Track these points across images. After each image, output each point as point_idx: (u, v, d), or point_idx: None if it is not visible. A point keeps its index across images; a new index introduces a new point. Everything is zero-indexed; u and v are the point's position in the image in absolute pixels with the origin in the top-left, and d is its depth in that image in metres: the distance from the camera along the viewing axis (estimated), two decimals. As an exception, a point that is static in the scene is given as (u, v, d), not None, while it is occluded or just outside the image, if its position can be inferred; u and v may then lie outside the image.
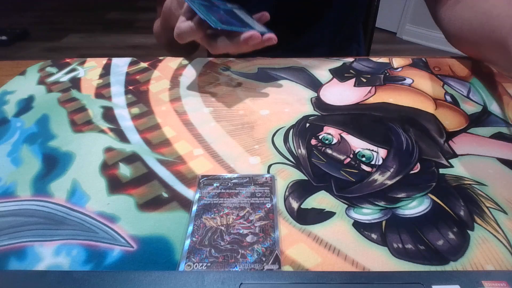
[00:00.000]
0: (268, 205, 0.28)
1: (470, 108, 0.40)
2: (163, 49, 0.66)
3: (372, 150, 0.34)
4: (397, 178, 0.31)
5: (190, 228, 0.26)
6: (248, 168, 0.32)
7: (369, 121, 0.38)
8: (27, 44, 2.47)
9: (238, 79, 0.47)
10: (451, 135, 0.36)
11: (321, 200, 0.29)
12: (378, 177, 0.31)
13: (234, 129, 0.38)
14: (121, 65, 0.51)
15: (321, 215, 0.28)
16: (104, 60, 0.52)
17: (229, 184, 0.30)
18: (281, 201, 0.29)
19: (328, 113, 0.40)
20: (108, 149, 0.35)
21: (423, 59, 0.50)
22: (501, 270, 0.23)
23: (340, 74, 0.48)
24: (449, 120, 0.38)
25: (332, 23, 0.63)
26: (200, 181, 0.31)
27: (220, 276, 0.22)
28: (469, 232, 0.26)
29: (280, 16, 0.60)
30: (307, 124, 0.38)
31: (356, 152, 0.34)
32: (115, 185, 0.31)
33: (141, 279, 0.22)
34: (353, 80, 0.46)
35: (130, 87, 0.46)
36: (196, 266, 0.24)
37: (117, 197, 0.30)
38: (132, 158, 0.34)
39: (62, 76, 0.49)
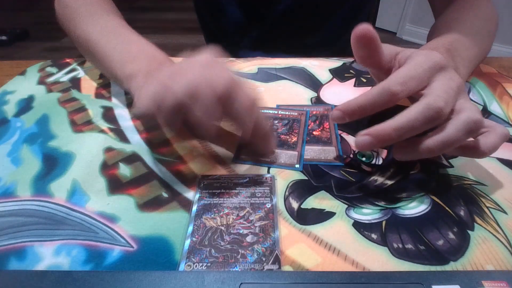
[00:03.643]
0: (268, 205, 0.28)
1: (470, 108, 0.40)
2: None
3: (372, 150, 0.34)
4: (397, 178, 0.31)
5: (190, 228, 0.26)
6: (248, 168, 0.32)
7: (369, 121, 0.38)
8: (27, 44, 2.47)
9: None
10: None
11: (321, 200, 0.29)
12: (378, 177, 0.31)
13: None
14: (121, 65, 0.51)
15: (321, 215, 0.28)
16: (104, 60, 0.52)
17: (229, 184, 0.30)
18: (281, 201, 0.29)
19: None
20: (108, 149, 0.35)
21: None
22: (501, 270, 0.23)
23: (340, 74, 0.48)
24: (449, 120, 0.38)
25: (339, 25, 0.63)
26: (200, 181, 0.31)
27: (220, 276, 0.22)
28: (469, 232, 0.26)
29: (289, 15, 0.60)
30: (307, 124, 0.38)
31: (356, 152, 0.34)
32: (115, 185, 0.31)
33: (141, 279, 0.22)
34: (353, 80, 0.46)
35: (130, 87, 0.45)
36: (196, 266, 0.24)
37: (117, 197, 0.30)
38: (132, 158, 0.34)
39: (62, 76, 0.49)
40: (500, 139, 0.28)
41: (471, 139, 0.28)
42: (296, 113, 0.39)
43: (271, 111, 0.40)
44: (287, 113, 0.40)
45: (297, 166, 0.32)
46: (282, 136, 0.36)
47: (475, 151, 0.28)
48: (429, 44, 0.37)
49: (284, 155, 0.34)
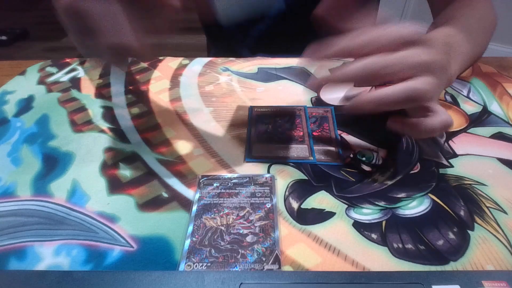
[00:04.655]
0: (268, 205, 0.28)
1: (470, 108, 0.40)
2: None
3: (372, 150, 0.34)
4: (397, 178, 0.31)
5: (190, 228, 0.26)
6: (248, 168, 0.32)
7: (369, 121, 0.38)
8: (27, 44, 2.47)
9: (238, 79, 0.47)
10: (451, 135, 0.36)
11: (321, 200, 0.29)
12: (378, 177, 0.31)
13: (234, 129, 0.38)
14: (121, 65, 0.51)
15: (321, 215, 0.28)
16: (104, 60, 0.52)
17: (229, 184, 0.30)
18: (281, 201, 0.29)
19: (328, 113, 0.40)
20: (108, 149, 0.35)
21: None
22: (501, 270, 0.23)
23: (340, 74, 0.47)
24: (449, 120, 0.38)
25: None
26: (200, 181, 0.31)
27: (220, 276, 0.22)
28: (469, 232, 0.26)
29: (290, 15, 0.60)
30: (307, 124, 0.38)
31: (356, 152, 0.34)
32: (115, 185, 0.31)
33: (141, 279, 0.22)
34: (353, 80, 0.46)
35: (130, 87, 0.46)
36: (196, 266, 0.24)
37: (117, 197, 0.30)
38: (132, 158, 0.34)
39: (62, 76, 0.49)
40: (439, 124, 0.29)
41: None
42: (295, 110, 0.40)
43: (270, 110, 0.40)
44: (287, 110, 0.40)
45: (311, 158, 0.33)
46: (287, 132, 0.36)
47: (412, 128, 0.29)
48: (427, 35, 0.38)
49: (296, 149, 0.34)
